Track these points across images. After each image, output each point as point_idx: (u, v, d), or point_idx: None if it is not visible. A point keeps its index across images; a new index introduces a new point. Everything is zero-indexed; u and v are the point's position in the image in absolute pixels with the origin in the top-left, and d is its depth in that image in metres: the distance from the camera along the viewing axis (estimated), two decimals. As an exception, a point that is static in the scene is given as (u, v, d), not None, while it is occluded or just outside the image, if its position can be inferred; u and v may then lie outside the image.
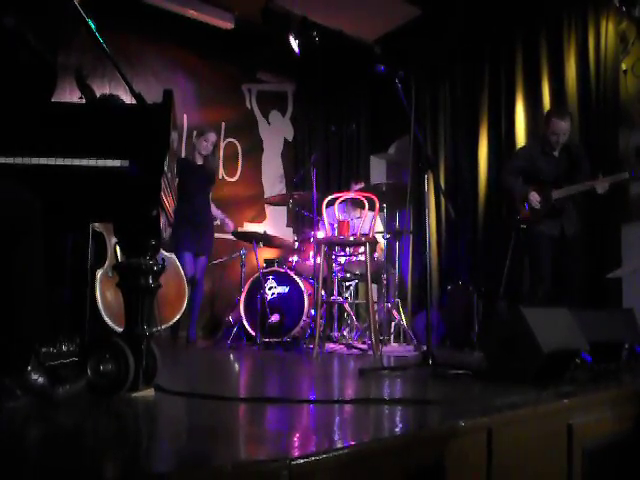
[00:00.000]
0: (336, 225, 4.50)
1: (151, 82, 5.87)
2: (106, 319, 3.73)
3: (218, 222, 5.63)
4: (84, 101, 2.23)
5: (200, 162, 5.30)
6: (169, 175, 1.99)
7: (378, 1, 5.88)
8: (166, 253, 4.39)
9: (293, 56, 6.12)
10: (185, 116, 6.03)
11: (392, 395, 2.29)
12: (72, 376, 1.86)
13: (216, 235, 5.52)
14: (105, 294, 3.75)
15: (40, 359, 1.82)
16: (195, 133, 5.57)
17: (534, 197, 4.47)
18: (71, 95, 3.98)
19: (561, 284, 4.49)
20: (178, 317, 4.38)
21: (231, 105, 6.73)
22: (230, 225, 5.56)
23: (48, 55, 2.05)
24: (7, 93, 1.91)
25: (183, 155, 5.65)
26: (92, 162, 1.85)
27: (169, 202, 2.06)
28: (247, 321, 5.04)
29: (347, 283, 5.51)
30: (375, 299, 4.86)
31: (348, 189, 5.91)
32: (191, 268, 5.06)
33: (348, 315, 5.41)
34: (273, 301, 5.03)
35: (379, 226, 5.34)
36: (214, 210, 5.52)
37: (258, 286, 5.02)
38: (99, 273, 3.78)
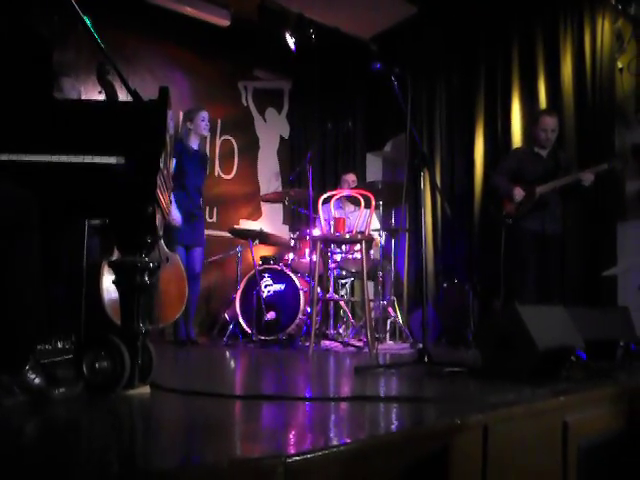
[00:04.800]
0: (332, 222, 4.50)
1: (147, 79, 5.84)
2: (108, 312, 3.73)
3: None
4: (103, 96, 2.21)
5: (195, 147, 5.02)
6: (165, 172, 1.98)
7: (374, -1, 5.89)
8: (168, 251, 4.37)
9: (289, 53, 6.12)
10: (181, 113, 6.01)
11: (388, 393, 2.29)
12: (68, 376, 1.85)
13: (212, 232, 5.47)
14: (109, 286, 3.74)
15: (37, 357, 1.82)
16: (182, 117, 5.27)
17: (518, 192, 4.58)
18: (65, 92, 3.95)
19: (542, 283, 4.54)
20: (178, 316, 4.38)
21: (227, 102, 6.71)
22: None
23: (51, 49, 2.05)
24: (10, 89, 1.90)
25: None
26: (88, 159, 1.85)
27: (165, 199, 2.06)
28: (243, 319, 5.03)
29: (343, 281, 5.51)
30: (371, 297, 4.86)
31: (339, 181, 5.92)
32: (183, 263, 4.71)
33: (344, 313, 5.41)
34: (269, 298, 5.03)
35: (375, 223, 5.34)
36: None
37: (254, 284, 5.01)
38: (105, 265, 3.76)
